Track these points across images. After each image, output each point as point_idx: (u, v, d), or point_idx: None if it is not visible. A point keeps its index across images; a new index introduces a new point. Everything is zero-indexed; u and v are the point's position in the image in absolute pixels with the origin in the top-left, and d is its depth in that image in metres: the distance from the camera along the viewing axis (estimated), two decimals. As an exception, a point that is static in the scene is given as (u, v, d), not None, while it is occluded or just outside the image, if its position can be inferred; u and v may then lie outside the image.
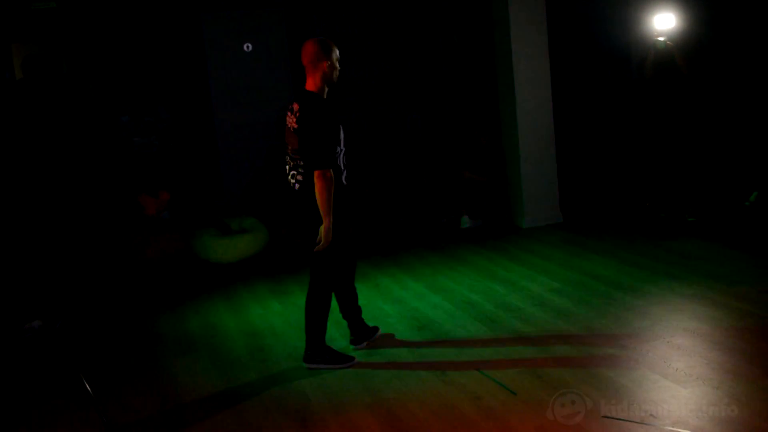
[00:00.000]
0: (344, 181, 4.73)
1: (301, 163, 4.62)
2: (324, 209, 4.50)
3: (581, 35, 9.16)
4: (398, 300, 6.09)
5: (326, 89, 4.68)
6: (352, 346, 5.09)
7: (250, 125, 9.15)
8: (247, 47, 9.45)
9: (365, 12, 9.97)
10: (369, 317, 5.71)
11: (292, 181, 4.70)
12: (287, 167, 4.74)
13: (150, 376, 5.01)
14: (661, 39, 7.55)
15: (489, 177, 8.39)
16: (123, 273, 7.55)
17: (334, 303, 4.95)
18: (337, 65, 4.69)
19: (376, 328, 5.29)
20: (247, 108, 9.26)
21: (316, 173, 4.48)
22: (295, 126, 4.60)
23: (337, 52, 4.70)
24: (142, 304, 6.58)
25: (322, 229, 4.52)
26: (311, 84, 4.65)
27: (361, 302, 6.05)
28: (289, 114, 4.69)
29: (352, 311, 5.14)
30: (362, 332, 5.17)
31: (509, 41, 7.93)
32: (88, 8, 9.81)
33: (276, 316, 5.91)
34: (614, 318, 5.26)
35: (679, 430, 3.67)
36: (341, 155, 4.70)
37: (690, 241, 6.93)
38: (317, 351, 4.85)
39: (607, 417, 3.88)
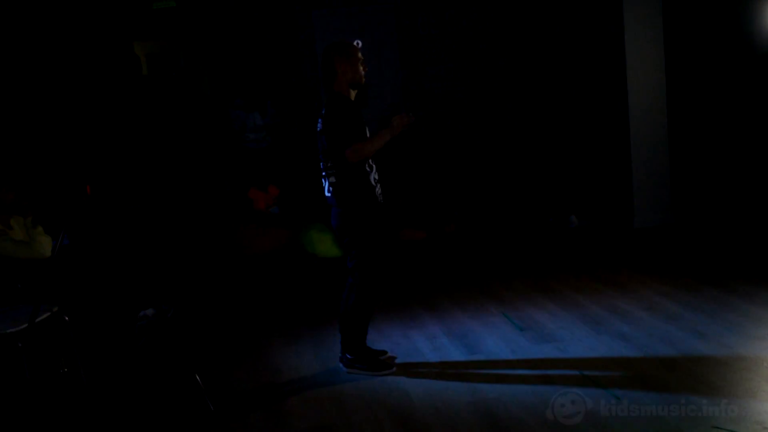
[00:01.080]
0: (379, 198, 4.69)
1: (330, 165, 4.63)
2: (377, 142, 4.49)
3: (699, 25, 8.81)
4: (502, 299, 6.04)
5: (351, 91, 4.66)
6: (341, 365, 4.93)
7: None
8: (357, 43, 9.54)
9: (472, 7, 9.91)
10: (472, 315, 5.71)
11: (326, 184, 4.70)
12: (323, 174, 4.74)
13: (255, 365, 5.14)
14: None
15: (599, 176, 8.20)
16: (231, 264, 7.75)
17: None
18: (360, 66, 4.65)
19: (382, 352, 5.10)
20: (362, 104, 9.35)
21: (347, 154, 4.46)
22: (322, 127, 4.62)
23: (358, 54, 4.65)
24: (249, 296, 6.75)
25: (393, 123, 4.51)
26: (336, 87, 4.66)
27: (465, 300, 6.07)
28: (319, 120, 4.71)
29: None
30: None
31: (622, 32, 7.70)
32: (206, 6, 10.11)
33: (378, 310, 5.94)
34: (727, 324, 5.07)
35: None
36: (373, 172, 4.67)
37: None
38: (357, 355, 4.83)
39: (717, 427, 3.75)
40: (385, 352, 5.04)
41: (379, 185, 4.72)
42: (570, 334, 5.18)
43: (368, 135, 4.63)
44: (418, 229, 8.04)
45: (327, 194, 4.74)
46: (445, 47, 9.98)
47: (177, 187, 8.90)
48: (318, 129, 4.70)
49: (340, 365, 4.88)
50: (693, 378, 4.32)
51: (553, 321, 5.45)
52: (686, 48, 8.63)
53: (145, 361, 5.29)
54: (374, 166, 4.72)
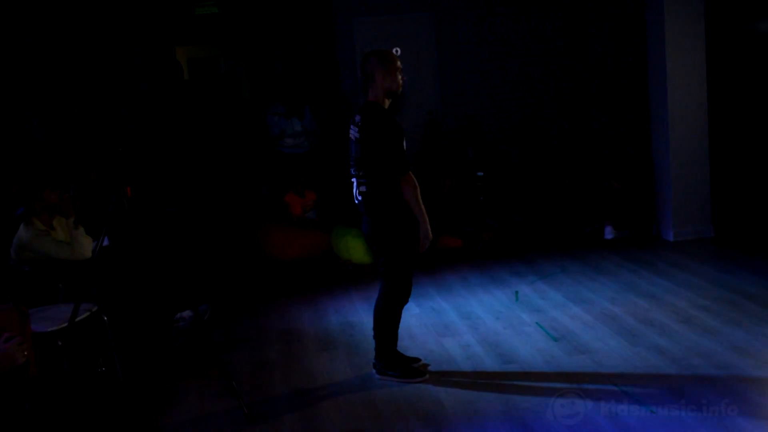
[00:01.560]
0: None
1: (362, 173, 4.63)
2: (417, 211, 4.52)
3: (742, 33, 8.69)
4: (536, 309, 6.02)
5: (387, 100, 4.66)
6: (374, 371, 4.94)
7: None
8: (396, 51, 9.59)
9: (511, 16, 9.92)
10: (506, 325, 5.69)
11: (356, 191, 4.71)
12: (353, 180, 4.75)
13: (289, 369, 5.18)
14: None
15: (635, 187, 8.13)
16: (266, 268, 7.81)
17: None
18: (399, 76, 4.64)
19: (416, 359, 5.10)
20: (395, 111, 9.38)
21: (401, 179, 4.50)
22: (358, 135, 4.62)
23: (397, 62, 4.64)
24: (283, 301, 6.79)
25: (422, 231, 4.54)
26: (371, 95, 4.67)
27: (499, 309, 6.05)
28: (351, 126, 4.72)
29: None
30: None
31: (663, 41, 7.57)
32: (247, 13, 10.23)
33: (413, 318, 5.96)
34: (765, 340, 5.00)
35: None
36: None
37: None
38: (389, 360, 4.84)
39: (753, 444, 3.71)
40: (418, 360, 5.05)
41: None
42: (604, 345, 5.14)
43: (404, 145, 4.62)
44: (454, 237, 8.04)
45: (356, 201, 4.77)
46: (483, 55, 9.98)
47: (215, 190, 9.00)
48: (352, 137, 4.71)
49: (373, 371, 4.90)
50: (730, 395, 4.27)
51: (587, 332, 5.42)
52: (729, 55, 8.52)
53: (181, 363, 5.35)
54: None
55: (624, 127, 9.56)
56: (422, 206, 4.55)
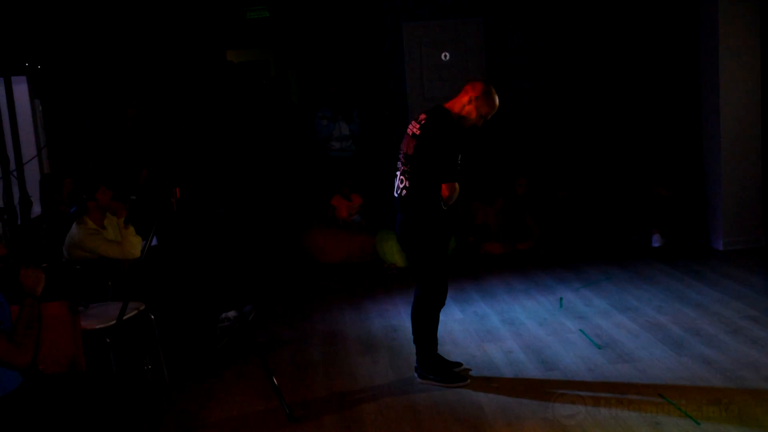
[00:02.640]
0: (444, 206, 4.66)
1: (408, 168, 4.63)
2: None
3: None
4: (581, 316, 5.97)
5: (458, 119, 4.62)
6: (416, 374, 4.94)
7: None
8: (445, 56, 9.61)
9: (560, 22, 9.85)
10: (549, 331, 5.66)
11: (400, 185, 4.70)
12: (397, 172, 4.76)
13: (331, 371, 5.21)
14: None
15: (684, 194, 8.01)
16: (311, 270, 7.88)
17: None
18: (481, 118, 4.63)
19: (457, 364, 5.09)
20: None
21: (443, 186, 4.51)
22: (417, 132, 4.60)
23: (494, 107, 4.63)
24: (328, 303, 6.84)
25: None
26: (449, 103, 4.66)
27: (542, 315, 6.02)
28: (412, 122, 4.71)
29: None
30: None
31: (716, 44, 7.45)
32: (298, 17, 10.32)
33: (456, 323, 5.97)
34: (816, 353, 4.91)
35: None
36: None
37: None
38: (430, 364, 4.83)
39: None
40: (460, 364, 5.04)
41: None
42: (649, 354, 5.08)
43: (459, 159, 4.62)
44: (496, 243, 8.03)
45: (396, 194, 4.75)
46: (532, 61, 9.93)
47: (263, 193, 9.09)
48: (410, 132, 4.69)
49: (415, 375, 4.91)
50: (777, 406, 4.19)
51: (632, 340, 5.36)
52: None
53: (225, 362, 5.42)
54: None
55: (675, 133, 9.42)
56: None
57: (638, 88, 9.95)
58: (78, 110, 9.11)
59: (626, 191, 8.55)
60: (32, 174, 7.18)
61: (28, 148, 7.48)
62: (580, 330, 5.63)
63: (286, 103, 10.63)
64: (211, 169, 8.76)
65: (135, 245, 5.52)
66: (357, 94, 9.81)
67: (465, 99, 4.62)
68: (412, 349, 5.07)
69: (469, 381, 4.82)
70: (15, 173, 6.10)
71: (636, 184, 8.58)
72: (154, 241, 5.70)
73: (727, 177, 7.58)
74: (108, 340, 4.64)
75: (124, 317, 4.70)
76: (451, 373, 4.87)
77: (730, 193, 7.60)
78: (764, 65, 7.53)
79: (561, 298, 6.42)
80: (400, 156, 4.76)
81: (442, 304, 4.80)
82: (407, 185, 4.65)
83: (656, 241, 7.98)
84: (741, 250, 7.58)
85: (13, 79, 6.33)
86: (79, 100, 9.14)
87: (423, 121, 4.63)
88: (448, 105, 4.67)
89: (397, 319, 6.22)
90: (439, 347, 4.97)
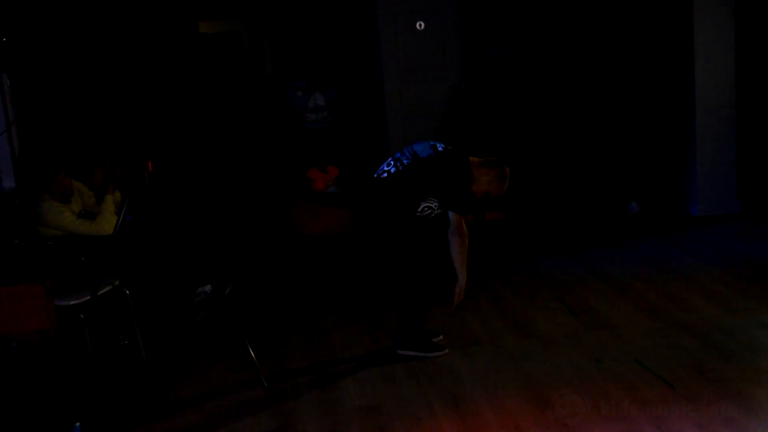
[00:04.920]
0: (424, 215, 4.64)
1: (402, 169, 4.55)
2: (460, 266, 4.50)
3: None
4: (557, 283, 5.99)
5: (472, 181, 4.57)
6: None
7: (419, 103, 9.23)
8: (420, 25, 9.51)
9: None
10: (527, 299, 5.68)
11: (386, 168, 4.63)
12: (390, 160, 4.68)
13: (309, 343, 5.20)
14: None
15: (661, 161, 8.03)
16: (288, 243, 7.84)
17: None
18: (484, 190, 4.60)
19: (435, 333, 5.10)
20: (417, 85, 9.33)
21: (453, 224, 4.46)
22: (431, 154, 4.56)
23: (501, 188, 4.60)
24: (305, 276, 6.81)
25: (458, 286, 4.53)
26: (474, 159, 4.59)
27: (519, 284, 6.03)
28: (421, 151, 4.62)
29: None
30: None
31: (690, 13, 7.45)
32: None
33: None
34: (790, 316, 4.96)
35: None
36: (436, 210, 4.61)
37: None
38: (409, 336, 4.83)
39: (774, 421, 3.68)
40: (438, 334, 5.05)
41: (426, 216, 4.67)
42: (626, 320, 5.11)
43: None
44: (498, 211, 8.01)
45: (383, 176, 4.66)
46: (509, 29, 9.85)
47: (238, 166, 9.03)
48: (422, 156, 4.58)
49: (394, 345, 4.91)
50: (751, 370, 4.24)
51: (609, 307, 5.39)
52: (758, 24, 8.35)
53: (202, 336, 5.40)
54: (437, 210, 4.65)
55: (650, 101, 9.42)
56: (466, 262, 4.51)
57: (614, 56, 9.93)
58: (46, 83, 8.95)
59: (603, 159, 8.57)
60: (2, 148, 7.06)
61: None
62: (558, 298, 5.65)
63: (259, 74, 10.53)
64: (185, 143, 8.67)
65: (110, 222, 5.42)
66: (332, 65, 9.72)
67: (478, 175, 4.56)
68: (391, 318, 5.06)
69: (447, 350, 4.83)
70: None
71: (613, 152, 8.59)
72: (128, 216, 5.63)
73: (701, 143, 7.61)
74: (82, 317, 4.59)
75: (99, 293, 4.65)
76: (429, 342, 4.87)
77: (705, 160, 7.64)
78: (738, 31, 7.54)
79: (538, 267, 6.43)
80: (399, 158, 4.65)
81: (433, 281, 4.78)
82: (392, 171, 4.57)
83: (633, 208, 8.02)
84: (716, 215, 7.63)
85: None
86: (47, 72, 8.98)
87: (439, 160, 4.55)
88: (472, 157, 4.62)
89: (376, 289, 6.21)
90: (416, 317, 4.97)
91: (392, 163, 4.65)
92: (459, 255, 4.49)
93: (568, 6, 9.82)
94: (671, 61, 8.08)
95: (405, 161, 4.60)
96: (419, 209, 4.56)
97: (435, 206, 4.56)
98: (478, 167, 4.59)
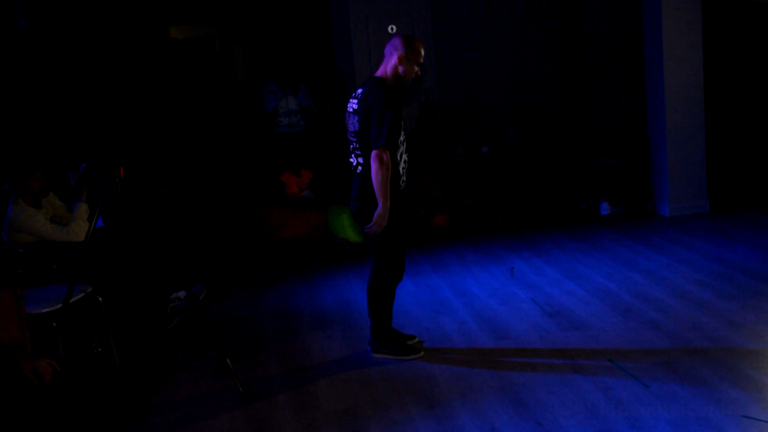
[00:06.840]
0: (402, 173, 4.61)
1: (358, 146, 4.58)
2: (380, 192, 4.41)
3: (739, 6, 8.63)
4: (532, 285, 6.03)
5: (396, 82, 4.56)
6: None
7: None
8: (392, 29, 9.54)
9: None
10: (501, 301, 5.70)
11: (354, 162, 4.66)
12: (352, 154, 4.70)
13: (284, 347, 5.18)
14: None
15: (631, 162, 8.11)
16: (261, 247, 7.81)
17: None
18: (415, 67, 4.57)
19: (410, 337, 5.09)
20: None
21: (372, 153, 4.41)
22: (356, 107, 4.55)
23: (419, 56, 4.56)
24: (279, 279, 6.80)
25: (377, 212, 4.45)
26: (380, 71, 4.60)
27: (494, 285, 6.07)
28: (351, 99, 4.64)
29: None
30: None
31: (659, 16, 7.49)
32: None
33: (408, 295, 5.97)
34: (760, 313, 5.01)
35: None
36: (401, 151, 4.59)
37: None
38: (384, 338, 4.84)
39: (747, 417, 3.72)
40: (413, 337, 5.05)
41: (405, 174, 4.68)
42: (599, 320, 5.15)
43: (403, 130, 4.58)
44: (443, 215, 8.03)
45: (356, 171, 4.66)
46: (480, 32, 9.92)
47: (211, 171, 8.98)
48: (350, 109, 4.62)
49: (369, 349, 4.91)
50: (723, 367, 4.28)
51: (582, 307, 5.42)
52: (726, 29, 8.46)
53: (176, 343, 5.36)
54: (405, 155, 4.68)
55: (620, 103, 9.52)
56: (388, 188, 4.43)
57: (585, 58, 10.02)
58: (14, 87, 8.86)
59: (575, 160, 8.63)
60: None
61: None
62: (531, 299, 5.69)
63: (231, 78, 10.49)
64: (158, 148, 8.62)
65: (83, 229, 5.38)
66: (303, 68, 9.71)
67: (394, 61, 4.55)
68: (366, 323, 5.06)
69: (422, 353, 4.83)
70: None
71: (584, 154, 8.66)
72: (100, 222, 5.58)
73: (671, 144, 7.68)
74: (55, 324, 4.54)
75: (71, 300, 4.61)
76: (404, 345, 4.88)
77: (675, 161, 7.72)
78: (706, 32, 7.63)
79: (512, 268, 6.46)
80: (349, 137, 4.71)
81: (399, 278, 4.77)
82: (361, 161, 4.60)
83: (605, 209, 8.09)
84: (686, 215, 7.71)
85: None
86: (15, 77, 8.89)
87: (361, 95, 4.56)
88: (379, 74, 4.61)
89: (349, 293, 6.21)
90: (392, 320, 4.97)
91: (351, 155, 4.68)
92: (378, 177, 4.39)
93: (537, 9, 9.90)
94: (640, 61, 8.15)
95: (351, 136, 4.63)
96: (399, 161, 4.56)
97: (402, 148, 4.56)
98: (386, 67, 4.56)
